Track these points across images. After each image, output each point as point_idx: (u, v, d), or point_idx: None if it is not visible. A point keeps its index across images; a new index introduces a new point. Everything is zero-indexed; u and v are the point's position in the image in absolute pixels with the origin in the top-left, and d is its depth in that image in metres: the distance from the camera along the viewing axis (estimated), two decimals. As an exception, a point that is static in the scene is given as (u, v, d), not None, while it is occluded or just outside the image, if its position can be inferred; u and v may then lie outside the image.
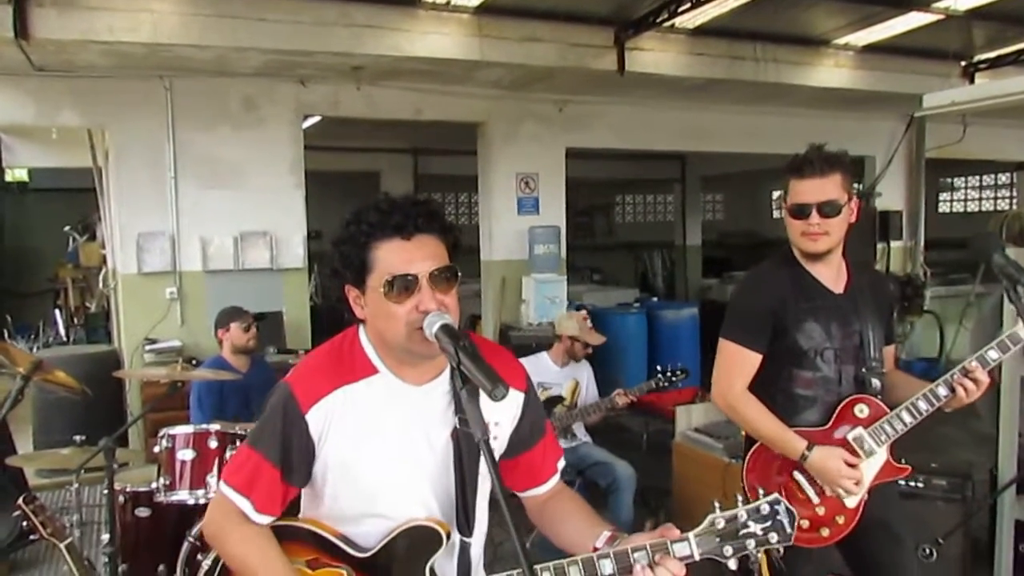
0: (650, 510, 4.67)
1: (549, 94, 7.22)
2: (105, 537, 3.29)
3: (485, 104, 7.13)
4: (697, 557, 1.41)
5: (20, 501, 2.49)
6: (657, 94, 7.34)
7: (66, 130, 6.88)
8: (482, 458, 1.51)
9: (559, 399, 4.47)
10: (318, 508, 1.60)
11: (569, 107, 7.45)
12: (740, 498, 1.44)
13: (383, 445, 1.52)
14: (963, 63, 7.35)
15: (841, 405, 2.36)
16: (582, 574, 1.40)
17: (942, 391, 2.28)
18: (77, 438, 3.49)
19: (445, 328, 1.40)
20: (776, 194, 18.02)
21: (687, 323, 8.35)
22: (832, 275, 2.41)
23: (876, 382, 2.38)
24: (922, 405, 2.29)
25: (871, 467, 2.33)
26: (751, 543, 1.40)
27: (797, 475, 2.35)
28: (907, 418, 2.30)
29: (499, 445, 1.61)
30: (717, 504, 1.44)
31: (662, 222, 17.27)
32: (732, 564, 1.42)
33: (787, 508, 1.42)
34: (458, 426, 1.53)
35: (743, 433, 2.54)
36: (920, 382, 2.42)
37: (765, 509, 1.41)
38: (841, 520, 2.33)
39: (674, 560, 1.39)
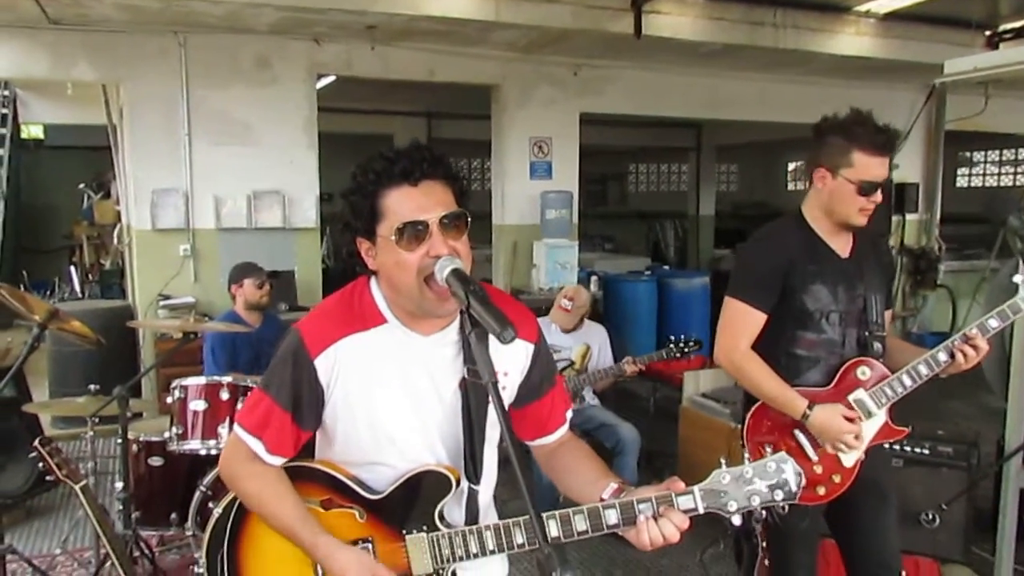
0: (655, 473, 4.71)
1: (564, 57, 7.14)
2: (119, 485, 3.35)
3: (499, 66, 7.07)
4: (701, 511, 1.41)
5: (36, 443, 2.53)
6: (673, 59, 7.25)
7: (81, 85, 6.88)
8: (490, 406, 1.53)
9: (569, 364, 4.48)
10: (331, 452, 1.63)
11: (584, 71, 7.38)
12: (747, 456, 1.45)
13: (391, 394, 1.54)
14: (987, 32, 7.21)
15: (844, 367, 2.38)
16: (587, 524, 1.42)
17: (942, 356, 2.31)
18: (92, 387, 3.55)
19: (456, 272, 1.40)
20: (792, 166, 17.88)
21: (698, 292, 8.33)
22: (840, 240, 2.42)
23: (878, 345, 2.41)
24: (922, 369, 2.31)
25: (870, 428, 2.36)
26: (756, 500, 1.41)
27: (797, 433, 2.37)
28: (907, 381, 2.32)
29: (508, 395, 1.62)
30: (723, 460, 1.43)
31: (675, 192, 17.17)
32: (736, 520, 1.42)
33: (794, 467, 1.42)
34: (467, 376, 1.54)
35: (743, 393, 2.55)
36: (916, 348, 2.45)
37: (772, 467, 1.42)
38: (838, 479, 2.36)
39: (678, 512, 1.40)
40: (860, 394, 2.34)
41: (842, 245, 2.42)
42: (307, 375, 1.51)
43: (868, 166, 2.28)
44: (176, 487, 3.54)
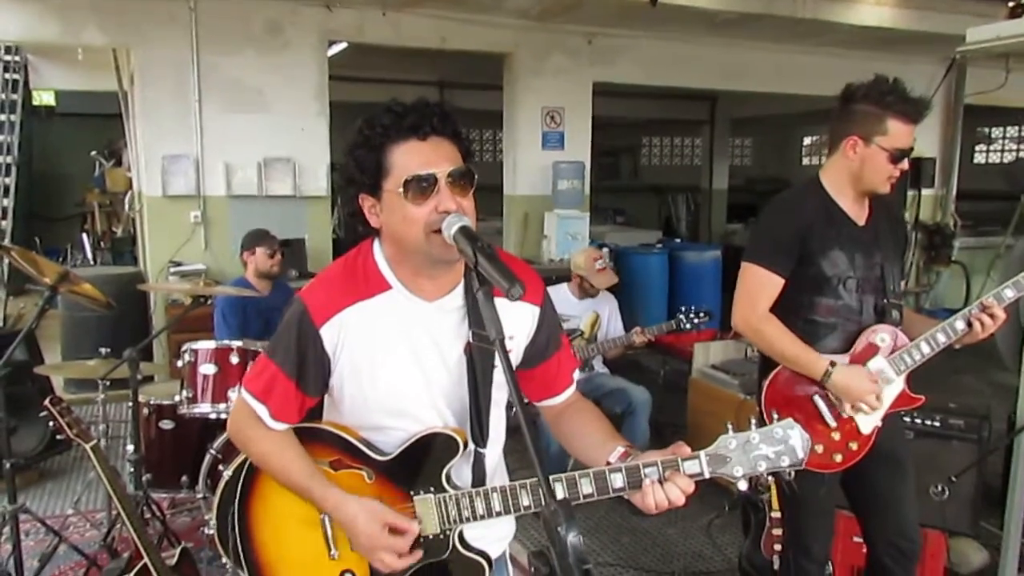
0: (664, 445, 4.70)
1: (578, 26, 7.06)
2: (130, 448, 3.38)
3: (512, 35, 7.00)
4: (707, 475, 1.41)
5: (47, 402, 2.55)
6: (689, 29, 7.16)
7: (91, 50, 6.86)
8: (496, 370, 1.54)
9: (577, 333, 4.47)
10: (338, 415, 1.64)
11: (598, 40, 7.29)
12: (754, 421, 1.44)
13: (398, 361, 1.54)
14: (1011, 4, 7.05)
15: (864, 333, 2.38)
16: (593, 487, 1.42)
17: (960, 325, 2.32)
18: (103, 350, 3.57)
19: (463, 230, 1.38)
20: (807, 140, 17.69)
21: (709, 266, 8.27)
22: (857, 208, 2.41)
23: (896, 313, 2.41)
24: (940, 337, 2.32)
25: (888, 395, 2.36)
26: (762, 465, 1.40)
27: (816, 399, 2.36)
28: (925, 349, 2.33)
29: (514, 358, 1.60)
30: (730, 425, 1.44)
31: (688, 166, 17.04)
32: (742, 485, 1.41)
33: (801, 433, 1.40)
34: (472, 340, 1.53)
35: (760, 356, 2.53)
36: (930, 320, 2.46)
37: (778, 433, 1.41)
38: (855, 446, 2.36)
39: (684, 477, 1.40)
40: (879, 361, 2.34)
41: (859, 213, 2.41)
42: (312, 344, 1.51)
43: (901, 134, 2.28)
44: (187, 450, 3.56)
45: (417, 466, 1.56)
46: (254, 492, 1.64)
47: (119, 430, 4.84)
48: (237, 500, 1.64)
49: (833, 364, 2.30)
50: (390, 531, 1.50)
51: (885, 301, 2.40)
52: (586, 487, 1.42)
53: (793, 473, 2.32)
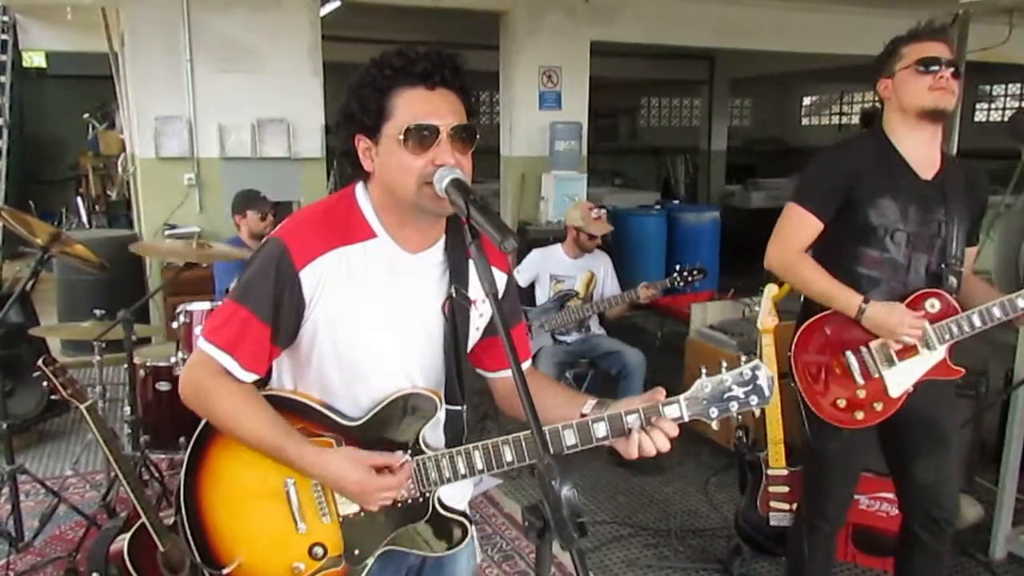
0: (660, 405, 4.71)
1: (575, -17, 6.94)
2: (127, 410, 3.38)
3: (509, -8, 6.88)
4: (687, 418, 1.46)
5: (39, 362, 2.54)
6: (689, -15, 7.04)
7: (80, 9, 6.73)
8: (471, 328, 1.56)
9: (573, 294, 4.45)
10: (302, 377, 1.55)
11: (596, -3, 7.17)
12: (724, 365, 1.50)
13: (375, 312, 1.48)
14: (1016, -43, 6.94)
15: (913, 296, 2.28)
16: (577, 437, 1.44)
17: (1021, 303, 2.19)
18: (97, 312, 3.55)
19: (455, 182, 1.35)
20: (808, 100, 17.53)
21: (708, 227, 8.26)
22: (923, 159, 2.28)
23: (953, 280, 2.29)
24: (996, 312, 2.21)
25: (928, 362, 2.28)
26: (734, 405, 1.46)
27: (848, 355, 2.30)
28: (977, 322, 2.22)
29: (483, 323, 1.60)
30: (704, 370, 1.48)
31: (687, 127, 16.88)
32: (715, 425, 1.49)
33: (766, 372, 1.47)
34: (454, 295, 1.51)
35: (800, 307, 2.45)
36: (995, 291, 2.34)
37: (747, 374, 1.47)
38: (879, 407, 2.30)
39: (667, 420, 1.43)
40: (925, 325, 2.23)
41: (924, 165, 2.28)
42: (290, 288, 1.43)
43: (918, 49, 2.21)
44: (184, 411, 3.47)
45: (391, 429, 1.51)
46: (203, 470, 1.53)
47: (117, 392, 4.84)
48: (183, 481, 1.52)
49: (867, 301, 2.22)
50: (377, 472, 1.46)
51: (944, 265, 2.28)
52: (570, 438, 1.43)
53: (809, 425, 2.32)
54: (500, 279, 1.58)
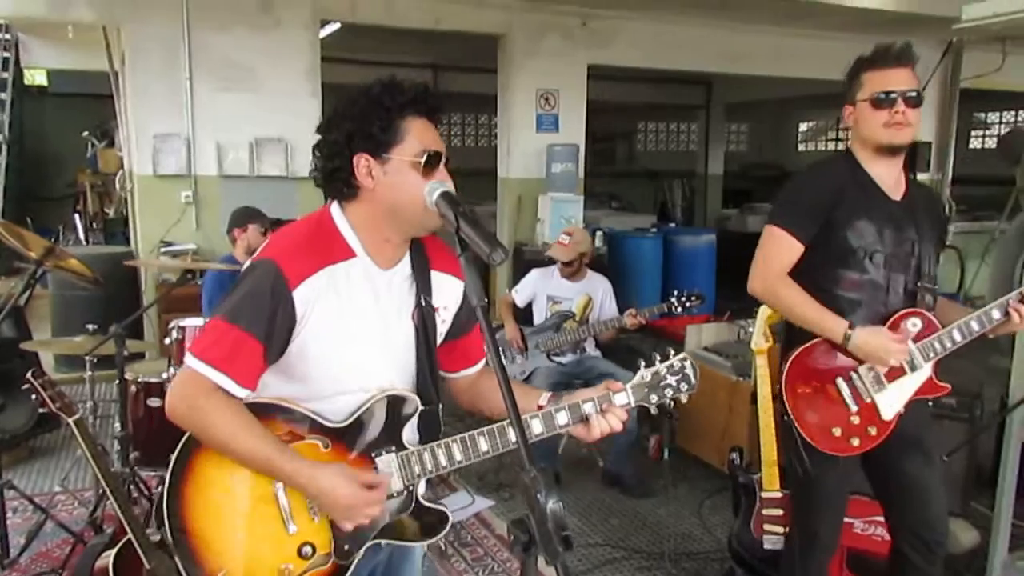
0: (653, 427, 4.69)
1: (573, 7, 7.01)
2: (118, 426, 3.36)
3: (506, 15, 6.94)
4: (632, 404, 1.66)
5: (28, 375, 2.52)
6: (685, 10, 7.10)
7: (82, 28, 6.79)
8: (439, 332, 1.72)
9: (570, 315, 4.45)
10: (286, 386, 1.59)
11: (593, 22, 7.24)
12: (658, 356, 1.68)
13: (358, 327, 1.58)
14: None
15: (894, 317, 2.30)
16: (543, 426, 1.61)
17: (996, 314, 2.25)
18: (90, 326, 3.54)
19: (445, 195, 1.46)
20: (803, 126, 17.65)
21: (704, 250, 8.25)
22: (891, 181, 2.32)
23: (929, 298, 2.32)
24: (974, 326, 2.25)
25: (916, 381, 2.30)
26: (668, 392, 1.67)
27: (839, 381, 2.30)
28: (957, 337, 2.26)
29: (444, 328, 1.74)
30: (642, 362, 1.68)
31: (684, 151, 16.99)
32: (653, 411, 1.69)
33: (692, 363, 1.68)
34: (423, 303, 1.66)
35: (784, 333, 2.47)
36: (962, 307, 2.39)
37: (677, 365, 1.68)
38: (873, 431, 2.30)
39: (618, 407, 1.64)
40: (910, 346, 2.26)
41: (892, 187, 2.32)
42: (284, 307, 1.50)
43: (875, 80, 2.23)
44: (175, 428, 3.51)
45: (375, 428, 1.62)
46: (187, 482, 1.55)
47: (109, 409, 4.81)
48: (166, 493, 1.53)
49: (852, 327, 2.22)
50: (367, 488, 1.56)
51: (918, 284, 2.31)
52: (536, 427, 1.61)
53: (807, 459, 2.32)
54: (458, 287, 1.74)
